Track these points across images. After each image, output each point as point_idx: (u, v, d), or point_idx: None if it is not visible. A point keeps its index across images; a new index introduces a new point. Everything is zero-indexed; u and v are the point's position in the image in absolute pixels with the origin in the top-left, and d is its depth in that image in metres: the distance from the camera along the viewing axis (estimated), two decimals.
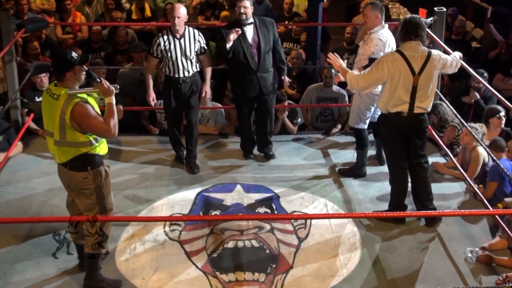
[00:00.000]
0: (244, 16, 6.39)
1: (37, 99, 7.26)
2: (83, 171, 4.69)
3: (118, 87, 4.71)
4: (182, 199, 6.10)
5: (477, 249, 5.28)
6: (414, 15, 5.61)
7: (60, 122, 4.55)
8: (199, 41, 6.34)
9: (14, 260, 5.19)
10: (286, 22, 9.77)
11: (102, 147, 4.74)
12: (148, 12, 10.20)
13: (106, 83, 4.62)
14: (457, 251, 5.36)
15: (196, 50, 6.34)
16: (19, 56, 8.09)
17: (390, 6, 11.16)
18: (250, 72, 6.50)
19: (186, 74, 6.34)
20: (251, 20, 6.45)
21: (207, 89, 6.59)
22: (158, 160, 6.85)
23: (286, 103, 7.50)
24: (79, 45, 8.93)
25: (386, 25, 6.18)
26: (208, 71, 6.57)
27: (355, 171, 6.55)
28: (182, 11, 6.21)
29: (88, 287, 4.88)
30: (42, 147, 7.03)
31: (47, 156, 6.80)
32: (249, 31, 6.44)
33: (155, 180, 6.42)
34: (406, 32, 5.40)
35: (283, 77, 6.86)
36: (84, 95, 4.60)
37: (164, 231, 5.59)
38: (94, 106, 4.65)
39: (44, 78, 7.34)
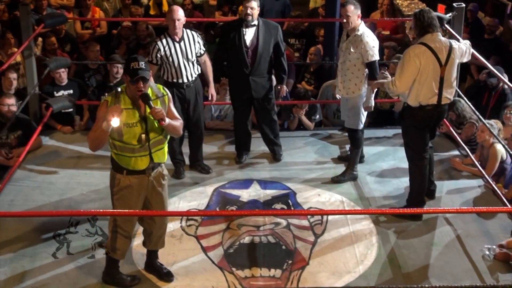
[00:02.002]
0: (250, 18, 6.21)
1: (56, 94, 7.32)
2: (111, 167, 4.69)
3: (113, 127, 4.35)
4: (199, 195, 6.12)
5: (494, 246, 5.24)
6: (422, 8, 5.59)
7: None
8: (198, 42, 6.14)
9: (33, 254, 5.23)
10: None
11: (121, 159, 4.56)
12: (165, 8, 10.21)
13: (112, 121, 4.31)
14: (474, 248, 5.33)
15: (196, 52, 6.14)
16: (38, 51, 8.17)
17: (408, 2, 11.07)
18: (243, 75, 6.34)
19: (190, 78, 6.13)
20: (255, 22, 6.29)
21: (213, 91, 6.40)
22: None
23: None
24: (98, 40, 8.98)
25: (362, 22, 6.14)
26: (210, 72, 6.36)
27: (350, 174, 6.36)
28: (181, 13, 6.00)
29: (107, 282, 4.92)
30: (61, 141, 7.10)
31: (66, 151, 6.86)
32: (250, 33, 6.27)
33: (172, 176, 6.43)
34: (422, 28, 5.41)
35: (279, 86, 6.63)
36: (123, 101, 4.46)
37: (181, 226, 5.61)
38: (126, 115, 4.43)
39: (63, 73, 7.39)
